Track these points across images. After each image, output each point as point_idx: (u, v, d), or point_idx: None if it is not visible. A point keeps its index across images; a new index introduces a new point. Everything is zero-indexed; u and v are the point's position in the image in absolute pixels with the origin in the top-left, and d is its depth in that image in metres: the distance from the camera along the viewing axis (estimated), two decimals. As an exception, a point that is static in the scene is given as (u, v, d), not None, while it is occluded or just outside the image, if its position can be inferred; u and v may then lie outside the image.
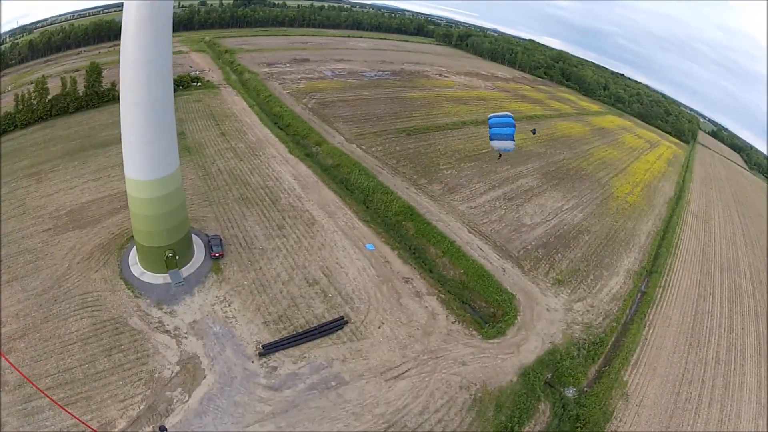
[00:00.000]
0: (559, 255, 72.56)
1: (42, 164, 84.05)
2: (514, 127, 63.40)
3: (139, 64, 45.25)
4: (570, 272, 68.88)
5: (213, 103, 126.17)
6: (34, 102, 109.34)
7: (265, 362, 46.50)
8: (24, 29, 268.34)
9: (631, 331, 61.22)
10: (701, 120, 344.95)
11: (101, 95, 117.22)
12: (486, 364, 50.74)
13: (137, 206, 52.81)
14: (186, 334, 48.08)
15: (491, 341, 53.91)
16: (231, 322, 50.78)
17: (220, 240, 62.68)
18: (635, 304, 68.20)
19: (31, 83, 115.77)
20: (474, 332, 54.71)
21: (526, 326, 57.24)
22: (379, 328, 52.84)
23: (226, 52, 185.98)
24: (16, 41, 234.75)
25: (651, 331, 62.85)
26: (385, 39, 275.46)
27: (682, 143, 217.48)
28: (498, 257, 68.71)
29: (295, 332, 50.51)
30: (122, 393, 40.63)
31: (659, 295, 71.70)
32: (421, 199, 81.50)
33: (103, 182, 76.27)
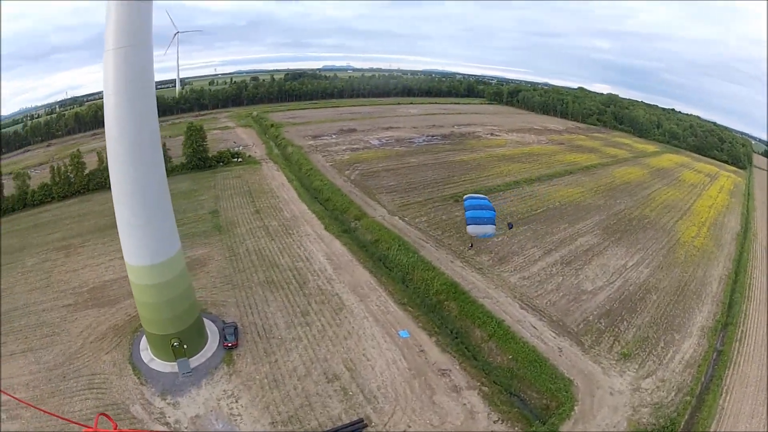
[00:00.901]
0: (625, 323, 66.59)
1: (73, 238, 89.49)
2: (493, 210, 66.41)
3: (123, 145, 46.17)
4: (637, 342, 62.66)
5: (252, 178, 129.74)
6: (71, 175, 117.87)
7: None
8: (75, 101, 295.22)
9: (706, 402, 54.91)
10: (753, 142, 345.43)
11: None
12: (533, 478, 45.20)
13: (138, 292, 53.50)
14: (186, 428, 47.07)
15: (541, 444, 48.46)
16: (236, 420, 48.55)
17: (236, 328, 61.43)
18: (710, 367, 61.83)
19: (67, 157, 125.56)
20: (520, 432, 49.56)
21: (585, 418, 50.73)
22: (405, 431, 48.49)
23: (272, 126, 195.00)
24: (63, 112, 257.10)
25: (728, 397, 56.58)
26: (435, 103, 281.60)
27: (739, 170, 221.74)
28: (554, 335, 62.96)
29: None
30: None
31: (735, 351, 65.93)
32: (466, 273, 77.49)
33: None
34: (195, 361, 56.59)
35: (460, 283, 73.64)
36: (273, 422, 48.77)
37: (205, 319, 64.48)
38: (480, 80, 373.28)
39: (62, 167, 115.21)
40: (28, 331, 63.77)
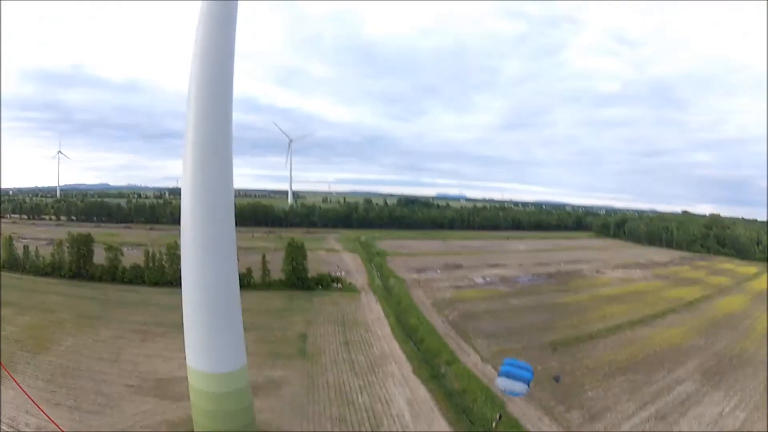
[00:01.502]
0: None
1: (154, 325, 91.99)
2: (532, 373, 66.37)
3: (197, 245, 48.13)
4: None
5: (348, 308, 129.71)
6: (165, 264, 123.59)
7: None
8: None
9: None
10: None
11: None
12: None
13: (194, 396, 53.96)
14: None
15: None
16: None
17: None
18: None
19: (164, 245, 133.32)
20: None
21: None
22: None
23: (377, 254, 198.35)
24: (170, 200, 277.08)
25: None
26: (543, 239, 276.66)
27: None
28: None
29: None
30: None
31: None
32: None
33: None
34: None
35: None
36: None
37: None
38: (588, 211, 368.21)
39: (157, 254, 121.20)
40: (81, 393, 66.24)
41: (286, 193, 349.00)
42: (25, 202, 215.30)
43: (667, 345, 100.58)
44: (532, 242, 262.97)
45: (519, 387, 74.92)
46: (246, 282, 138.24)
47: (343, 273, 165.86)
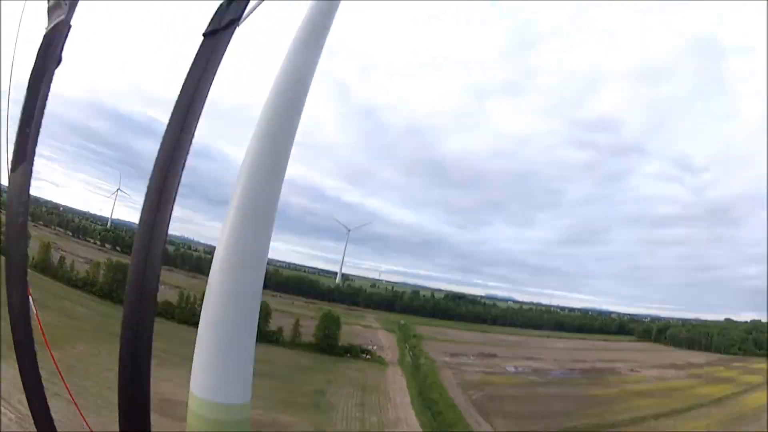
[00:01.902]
0: None
1: (173, 356, 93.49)
2: None
3: (224, 282, 51.73)
4: None
5: (373, 376, 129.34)
6: (197, 307, 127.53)
7: None
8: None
9: None
10: None
11: (265, 334, 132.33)
12: None
13: (191, 418, 54.47)
14: None
15: None
16: None
17: None
18: None
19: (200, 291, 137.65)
20: None
21: None
22: None
23: (414, 336, 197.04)
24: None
25: None
26: (583, 339, 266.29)
27: None
28: None
29: None
30: None
31: None
32: None
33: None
34: None
35: None
36: None
37: None
38: (633, 318, 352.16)
39: (192, 297, 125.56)
40: (83, 392, 68.53)
41: (335, 273, 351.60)
42: (73, 221, 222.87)
43: None
44: (571, 342, 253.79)
45: None
46: (275, 339, 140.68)
47: (374, 347, 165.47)
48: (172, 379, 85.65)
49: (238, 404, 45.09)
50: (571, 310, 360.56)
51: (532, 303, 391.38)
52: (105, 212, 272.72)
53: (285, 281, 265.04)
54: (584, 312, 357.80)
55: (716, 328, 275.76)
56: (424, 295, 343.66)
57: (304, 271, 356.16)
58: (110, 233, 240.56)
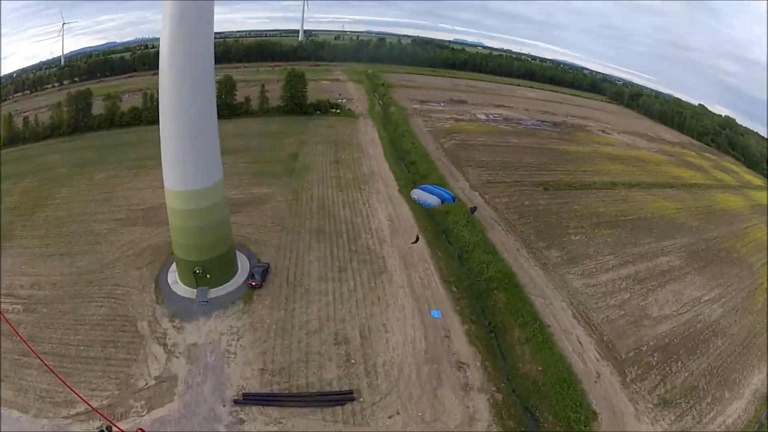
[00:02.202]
0: (679, 364, 53.42)
1: (148, 160, 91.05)
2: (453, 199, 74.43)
3: (174, 69, 44.36)
4: (684, 391, 49.65)
5: (344, 131, 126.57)
6: None
7: (236, 411, 41.12)
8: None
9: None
10: None
11: (233, 107, 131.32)
12: None
13: (172, 217, 53.58)
14: (180, 353, 46.77)
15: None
16: (229, 357, 46.84)
17: (265, 269, 59.32)
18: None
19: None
20: (517, 461, 41.71)
21: (595, 465, 42.48)
22: (389, 418, 41.57)
23: (382, 85, 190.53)
24: None
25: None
26: (555, 92, 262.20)
27: None
28: (598, 356, 52.25)
29: (288, 391, 43.36)
30: (96, 383, 42.53)
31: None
32: (529, 266, 68.39)
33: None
34: (216, 292, 55.60)
35: (518, 275, 64.88)
36: (263, 368, 45.84)
37: (241, 255, 63.33)
38: (605, 78, 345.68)
39: (155, 94, 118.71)
40: (73, 237, 68.34)
41: (297, 32, 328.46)
42: (27, 79, 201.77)
43: (660, 215, 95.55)
44: (542, 92, 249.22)
45: (432, 200, 79.79)
46: (244, 110, 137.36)
47: (344, 100, 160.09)
48: (151, 185, 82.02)
49: (210, 186, 52.54)
50: (543, 60, 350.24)
51: (501, 49, 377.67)
52: (57, 52, 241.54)
53: (246, 50, 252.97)
54: (556, 64, 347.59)
55: (690, 110, 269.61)
56: (390, 42, 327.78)
57: (266, 36, 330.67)
58: (65, 69, 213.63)
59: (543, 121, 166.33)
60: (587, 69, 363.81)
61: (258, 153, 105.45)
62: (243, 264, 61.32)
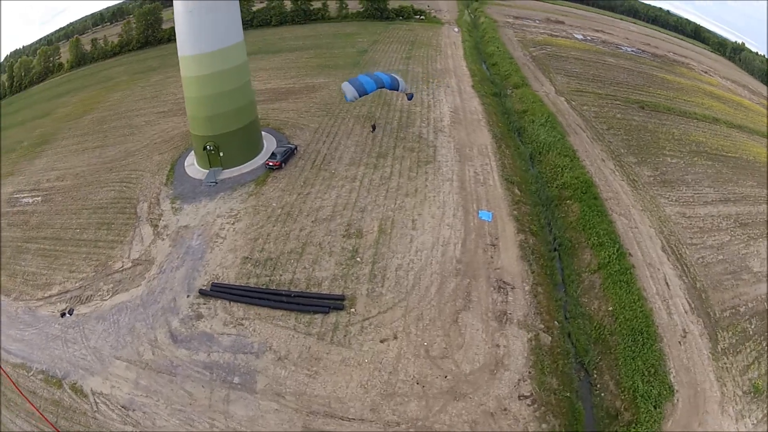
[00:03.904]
0: None
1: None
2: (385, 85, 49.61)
3: None
4: None
5: (425, 34, 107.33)
6: None
7: (198, 304, 30.81)
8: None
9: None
10: None
11: (308, 13, 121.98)
12: None
13: (185, 85, 44.76)
14: (167, 235, 37.97)
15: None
16: (216, 241, 36.25)
17: (290, 151, 46.69)
18: None
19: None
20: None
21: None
22: (382, 342, 27.10)
23: (476, 0, 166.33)
24: None
25: None
26: (658, 30, 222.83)
27: None
28: (687, 308, 33.09)
29: (265, 286, 31.10)
30: (77, 266, 36.62)
31: None
32: (614, 179, 49.42)
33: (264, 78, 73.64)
34: (229, 173, 45.10)
35: (599, 186, 46.52)
36: (248, 256, 34.16)
37: (270, 137, 52.14)
38: (710, 32, 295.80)
39: None
40: (111, 132, 62.73)
41: None
42: (107, 11, 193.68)
43: (761, 162, 66.88)
44: (645, 29, 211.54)
45: (349, 92, 48.59)
46: (320, 15, 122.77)
47: (429, 8, 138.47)
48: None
49: (224, 48, 42.30)
50: (642, 3, 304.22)
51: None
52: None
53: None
54: (657, 8, 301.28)
55: None
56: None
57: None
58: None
59: (643, 51, 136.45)
60: (692, 22, 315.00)
61: (324, 50, 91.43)
62: (270, 145, 49.66)
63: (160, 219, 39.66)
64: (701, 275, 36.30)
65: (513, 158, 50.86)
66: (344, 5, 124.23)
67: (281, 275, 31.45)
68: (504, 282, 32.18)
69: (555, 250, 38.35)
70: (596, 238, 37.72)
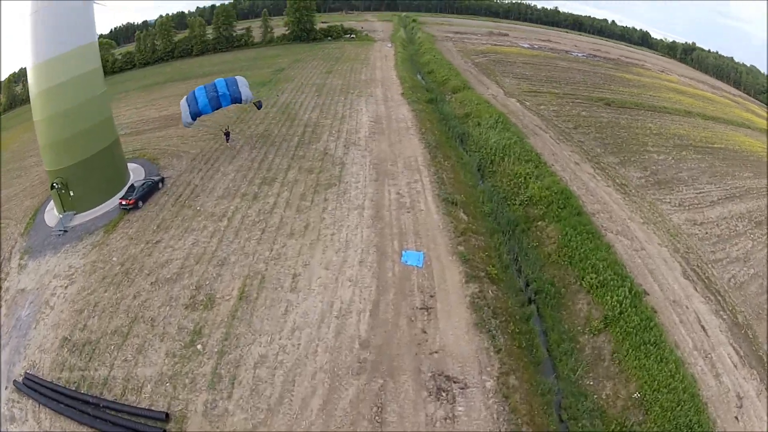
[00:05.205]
0: None
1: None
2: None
3: None
4: None
5: (353, 51, 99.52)
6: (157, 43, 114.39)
7: (12, 401, 21.39)
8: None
9: None
10: None
11: (231, 39, 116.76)
12: None
13: (32, 105, 36.02)
14: (4, 302, 28.19)
15: None
16: (44, 312, 26.24)
17: (151, 184, 37.33)
18: None
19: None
20: None
21: None
22: None
23: (413, 21, 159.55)
24: None
25: None
26: (607, 41, 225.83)
27: None
28: (735, 360, 22.83)
29: (76, 387, 20.94)
30: None
31: None
32: (596, 185, 40.24)
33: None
34: (84, 216, 35.32)
35: (580, 196, 36.90)
36: (66, 338, 23.81)
37: (140, 168, 42.55)
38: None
39: None
40: (4, 174, 53.43)
41: None
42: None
43: (747, 151, 63.70)
44: (594, 40, 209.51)
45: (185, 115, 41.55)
46: (243, 41, 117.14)
47: (366, 31, 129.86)
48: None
49: (75, 48, 34.69)
50: (587, 17, 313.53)
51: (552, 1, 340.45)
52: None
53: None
54: (603, 20, 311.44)
55: (744, 68, 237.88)
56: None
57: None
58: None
59: (595, 56, 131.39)
60: (637, 29, 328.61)
61: (238, 72, 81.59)
62: (138, 179, 40.08)
63: (6, 279, 30.69)
64: (739, 303, 26.45)
65: (455, 171, 40.32)
66: (269, 29, 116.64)
67: (96, 370, 20.90)
68: (447, 377, 20.33)
69: (530, 302, 26.96)
70: (593, 275, 26.93)
